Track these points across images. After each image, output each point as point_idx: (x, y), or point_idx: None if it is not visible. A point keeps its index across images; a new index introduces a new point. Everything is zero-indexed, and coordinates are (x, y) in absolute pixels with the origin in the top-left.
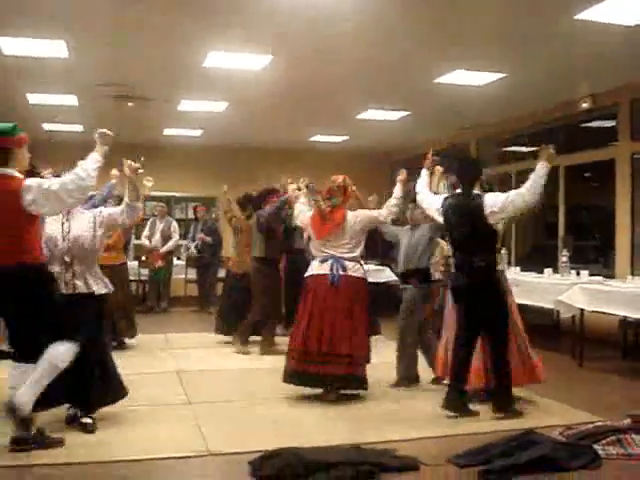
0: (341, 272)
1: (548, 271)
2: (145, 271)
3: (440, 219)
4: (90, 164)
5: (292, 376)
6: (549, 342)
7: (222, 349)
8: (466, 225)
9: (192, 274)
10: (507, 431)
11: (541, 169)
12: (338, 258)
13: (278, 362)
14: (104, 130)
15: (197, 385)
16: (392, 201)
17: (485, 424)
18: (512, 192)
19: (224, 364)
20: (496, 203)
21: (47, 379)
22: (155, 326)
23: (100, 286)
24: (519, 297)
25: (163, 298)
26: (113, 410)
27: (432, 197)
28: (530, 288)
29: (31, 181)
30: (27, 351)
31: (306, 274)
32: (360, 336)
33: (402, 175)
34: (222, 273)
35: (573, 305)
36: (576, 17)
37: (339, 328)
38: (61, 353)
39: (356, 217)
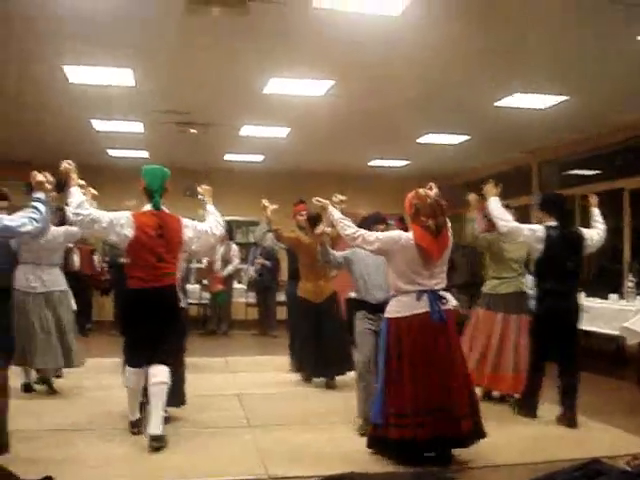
0: (442, 306)
1: (613, 297)
2: (206, 294)
3: (539, 246)
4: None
5: (403, 446)
6: (614, 369)
7: (282, 373)
8: (577, 255)
9: (252, 298)
10: (572, 460)
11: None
12: (433, 291)
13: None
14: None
15: (257, 408)
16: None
17: (551, 452)
18: (596, 230)
19: (284, 387)
20: (592, 237)
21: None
22: (216, 349)
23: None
24: (583, 323)
25: (223, 321)
26: (173, 433)
27: (529, 225)
28: (595, 314)
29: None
30: (165, 355)
31: (393, 314)
32: (470, 379)
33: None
34: (281, 297)
35: (639, 332)
36: (639, 37)
37: (456, 377)
38: (167, 375)
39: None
